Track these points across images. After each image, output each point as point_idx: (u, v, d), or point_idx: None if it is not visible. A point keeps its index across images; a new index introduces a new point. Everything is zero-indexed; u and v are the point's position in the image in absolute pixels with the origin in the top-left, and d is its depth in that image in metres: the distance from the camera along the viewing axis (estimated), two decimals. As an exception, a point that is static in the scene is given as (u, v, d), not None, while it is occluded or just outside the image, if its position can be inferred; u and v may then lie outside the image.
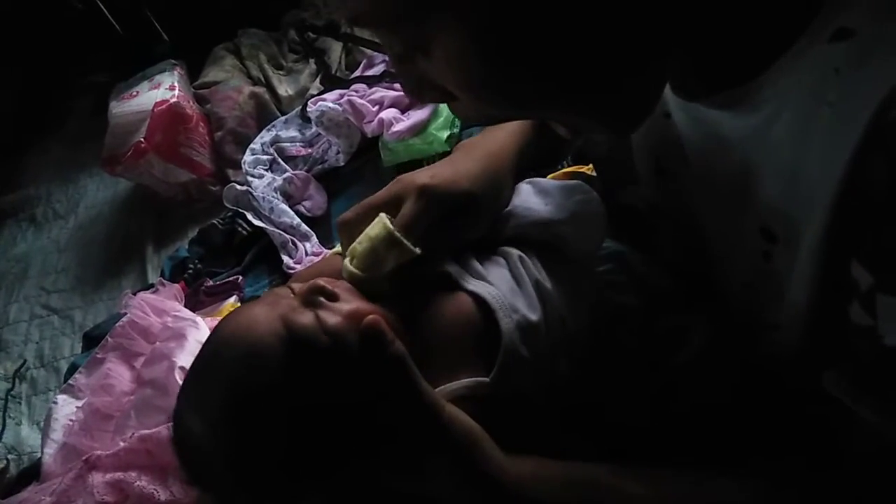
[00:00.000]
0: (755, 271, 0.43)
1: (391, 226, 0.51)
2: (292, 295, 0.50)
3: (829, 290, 0.37)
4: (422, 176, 0.55)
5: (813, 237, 0.36)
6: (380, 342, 0.43)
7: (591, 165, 0.93)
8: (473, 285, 0.52)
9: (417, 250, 0.51)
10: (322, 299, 0.48)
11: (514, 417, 0.48)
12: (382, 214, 0.53)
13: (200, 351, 0.51)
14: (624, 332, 0.53)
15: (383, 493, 0.46)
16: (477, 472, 0.43)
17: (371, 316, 0.45)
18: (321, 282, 0.49)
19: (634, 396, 0.51)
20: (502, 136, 0.62)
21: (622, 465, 0.46)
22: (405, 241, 0.51)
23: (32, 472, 1.15)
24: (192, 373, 0.50)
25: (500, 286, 0.52)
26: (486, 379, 0.48)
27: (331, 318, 0.46)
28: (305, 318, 0.46)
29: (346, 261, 0.53)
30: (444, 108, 1.51)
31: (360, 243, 0.52)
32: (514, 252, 0.56)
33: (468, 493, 0.44)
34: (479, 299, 0.51)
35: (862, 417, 0.37)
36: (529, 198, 0.58)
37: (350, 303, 0.48)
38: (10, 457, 1.23)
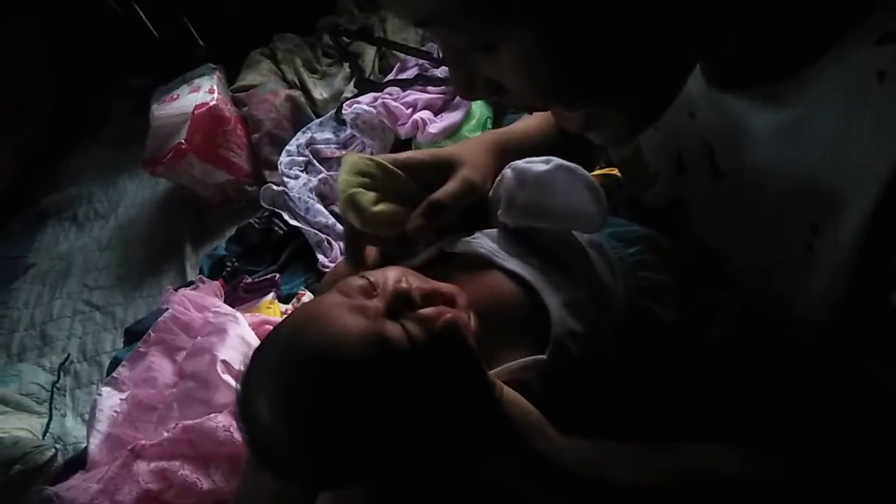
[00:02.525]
0: (794, 263, 0.44)
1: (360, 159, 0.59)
2: (372, 292, 0.50)
3: (867, 279, 0.38)
4: (464, 165, 0.61)
5: (854, 228, 0.37)
6: (459, 341, 0.45)
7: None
8: (513, 265, 0.54)
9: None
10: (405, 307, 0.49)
11: (568, 395, 0.49)
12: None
13: (273, 341, 0.51)
14: (660, 307, 0.55)
15: (443, 477, 0.48)
16: (536, 451, 0.45)
17: (448, 316, 0.46)
18: (405, 285, 0.49)
19: (678, 364, 0.53)
20: (523, 139, 0.67)
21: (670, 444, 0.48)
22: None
23: (78, 461, 1.19)
24: (273, 368, 0.50)
25: (540, 264, 0.54)
26: (544, 357, 0.50)
27: (419, 333, 0.47)
28: (397, 333, 0.46)
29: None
30: (476, 111, 1.53)
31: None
32: None
33: (527, 473, 0.45)
34: (520, 279, 0.53)
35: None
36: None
37: (431, 307, 0.49)
38: (56, 446, 1.27)
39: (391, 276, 0.50)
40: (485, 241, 0.58)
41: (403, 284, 0.49)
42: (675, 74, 0.40)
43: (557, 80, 0.37)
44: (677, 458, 0.48)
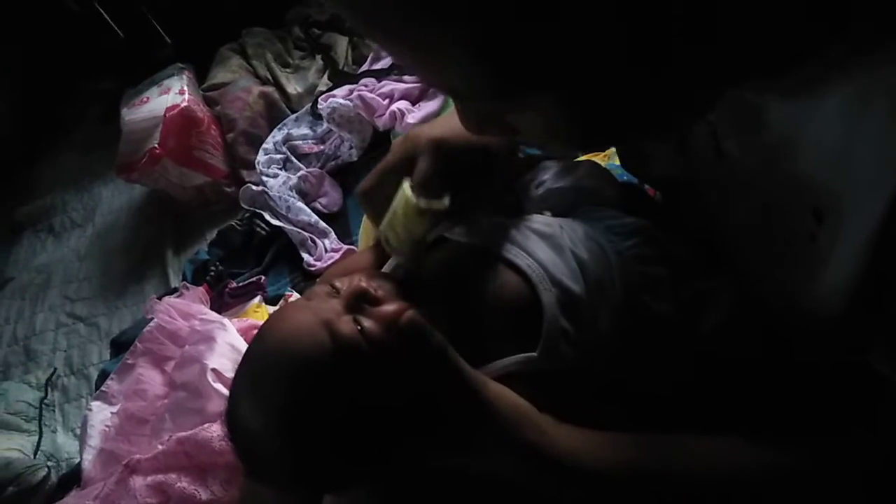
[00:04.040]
0: (797, 253, 0.43)
1: (412, 195, 0.52)
2: (335, 295, 0.50)
3: (879, 271, 0.37)
4: (433, 130, 0.56)
5: (868, 221, 0.36)
6: (422, 338, 0.45)
7: (603, 154, 0.95)
8: (514, 256, 0.54)
9: (446, 202, 0.52)
10: (365, 305, 0.49)
11: (562, 390, 0.49)
12: (405, 184, 0.53)
13: (248, 353, 0.52)
14: (656, 301, 0.54)
15: (434, 474, 0.48)
16: (528, 443, 0.44)
17: (409, 313, 0.46)
18: (364, 284, 0.50)
19: (669, 363, 0.53)
20: None
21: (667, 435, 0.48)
22: (431, 203, 0.51)
23: (73, 479, 1.18)
24: (243, 375, 0.51)
25: (542, 256, 0.53)
26: (535, 354, 0.49)
27: (373, 328, 0.47)
28: (347, 328, 0.46)
29: (383, 241, 0.55)
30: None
31: (391, 223, 0.53)
32: (553, 221, 0.57)
33: (521, 465, 0.45)
34: (522, 272, 0.52)
35: None
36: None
37: (391, 304, 0.49)
38: (49, 464, 1.25)
39: (355, 279, 0.51)
40: (488, 226, 0.57)
41: (363, 283, 0.49)
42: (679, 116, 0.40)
43: (577, 134, 0.38)
44: (678, 449, 0.48)
